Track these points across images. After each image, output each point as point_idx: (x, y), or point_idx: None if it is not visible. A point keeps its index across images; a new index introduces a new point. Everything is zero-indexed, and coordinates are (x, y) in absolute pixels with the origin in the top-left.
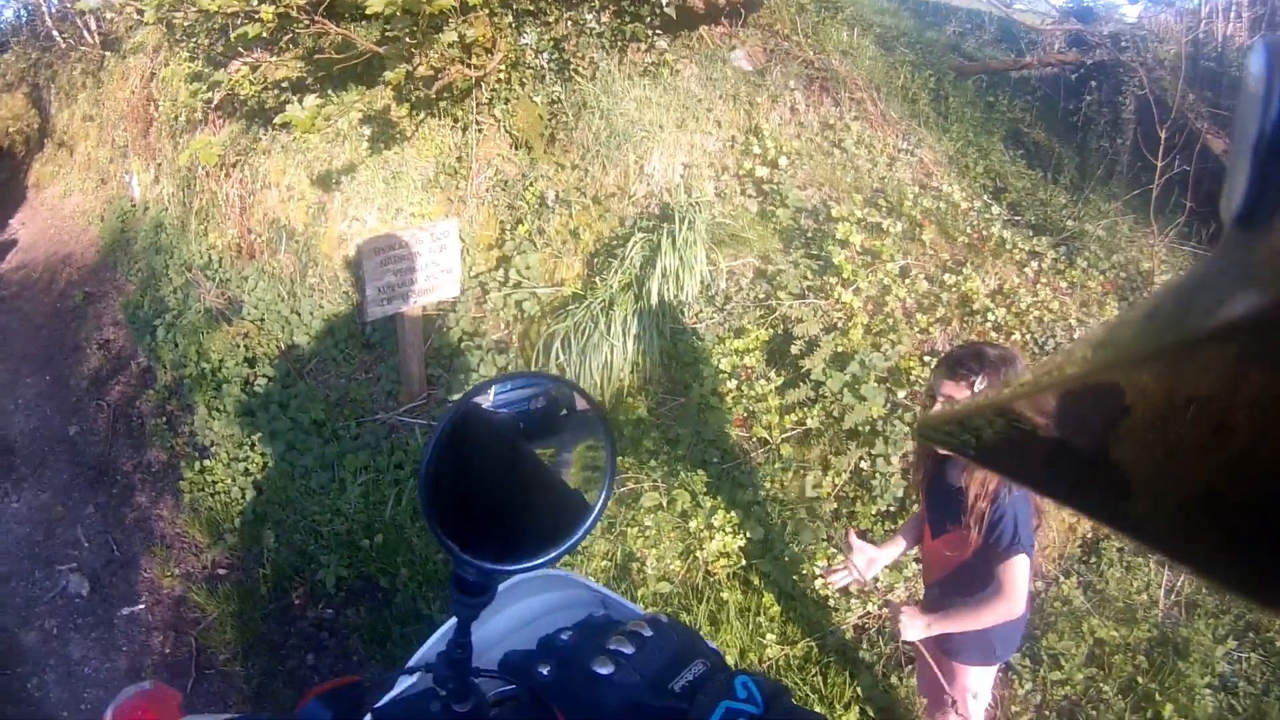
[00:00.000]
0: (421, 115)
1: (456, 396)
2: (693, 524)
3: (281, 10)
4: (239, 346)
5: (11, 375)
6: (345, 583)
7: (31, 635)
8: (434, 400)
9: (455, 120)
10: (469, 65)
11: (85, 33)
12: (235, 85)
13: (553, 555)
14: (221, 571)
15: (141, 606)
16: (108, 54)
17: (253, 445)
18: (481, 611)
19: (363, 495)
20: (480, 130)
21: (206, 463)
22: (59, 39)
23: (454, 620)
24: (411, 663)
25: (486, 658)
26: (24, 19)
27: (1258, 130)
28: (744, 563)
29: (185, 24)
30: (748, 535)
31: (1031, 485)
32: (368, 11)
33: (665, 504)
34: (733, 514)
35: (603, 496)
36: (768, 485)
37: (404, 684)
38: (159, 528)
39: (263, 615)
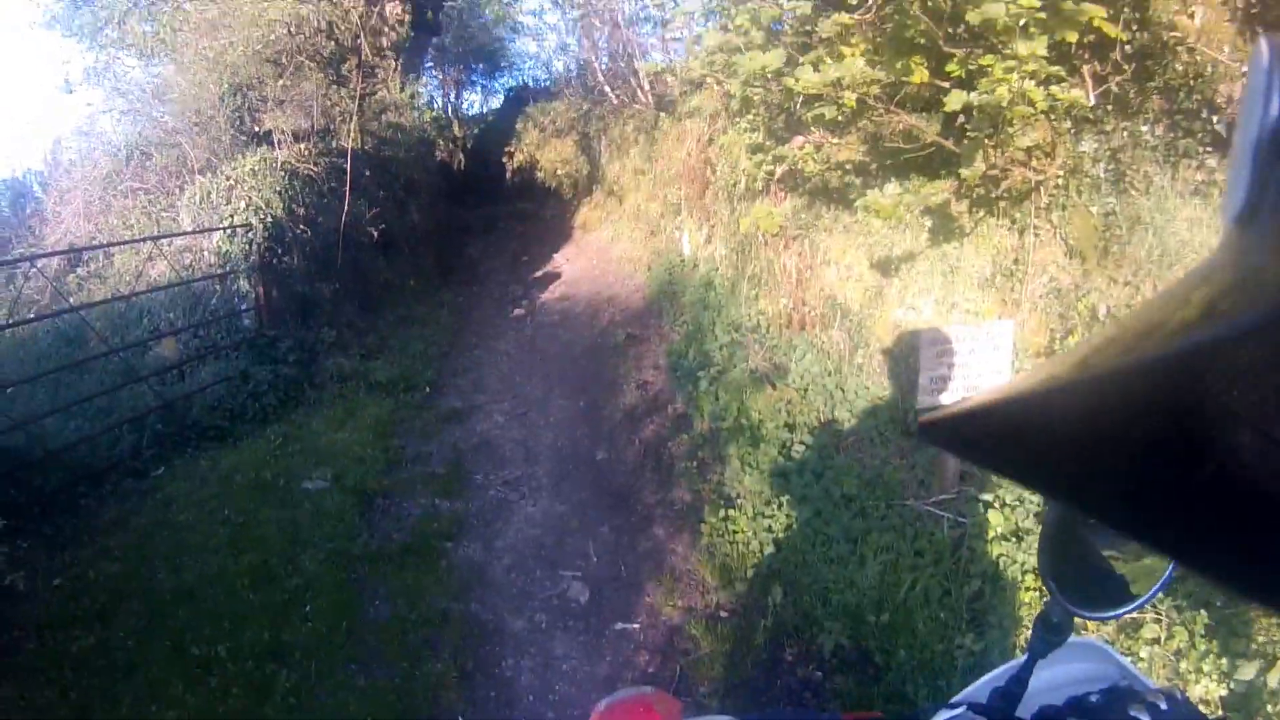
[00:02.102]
0: (980, 213)
1: (986, 496)
2: (1183, 664)
3: (859, 97)
4: (780, 411)
5: (545, 394)
6: (842, 651)
7: (520, 623)
8: (964, 496)
9: (1013, 222)
10: (1029, 168)
11: (639, 92)
12: (799, 162)
13: (1120, 612)
14: (723, 614)
15: (635, 626)
16: (662, 114)
17: (780, 505)
18: (1051, 653)
19: (879, 574)
20: (1037, 234)
21: (730, 512)
22: (611, 95)
23: (1014, 662)
24: (954, 699)
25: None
26: (575, 72)
27: (1258, 130)
28: (1220, 714)
29: (749, 97)
30: (1230, 687)
31: (1030, 485)
32: (945, 108)
33: (1162, 639)
34: (1223, 661)
35: (1148, 595)
36: (1261, 638)
37: (943, 717)
38: (670, 561)
39: (753, 662)
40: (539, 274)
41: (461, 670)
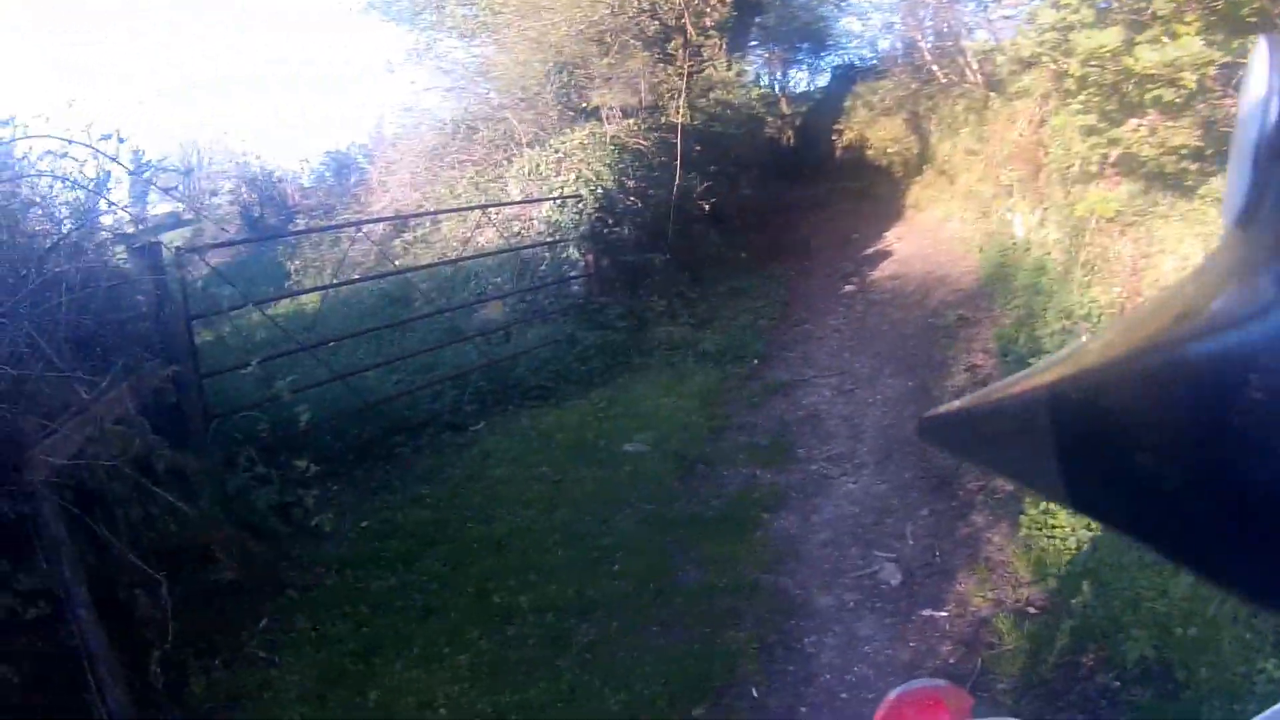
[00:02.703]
0: None
1: None
2: None
3: (1198, 78)
4: None
5: (873, 372)
6: (1144, 662)
7: (827, 599)
8: None
9: None
10: None
11: (967, 71)
12: (1133, 145)
13: None
14: (1031, 610)
15: (944, 614)
16: (991, 94)
17: None
18: None
19: (1192, 584)
20: None
21: (1051, 506)
22: (939, 74)
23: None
24: None
25: None
26: (901, 51)
27: (1258, 131)
28: None
29: (1080, 75)
30: None
31: (1029, 484)
32: None
33: None
34: None
35: None
36: None
37: None
38: (986, 550)
39: (1054, 663)
40: (869, 251)
41: (762, 642)
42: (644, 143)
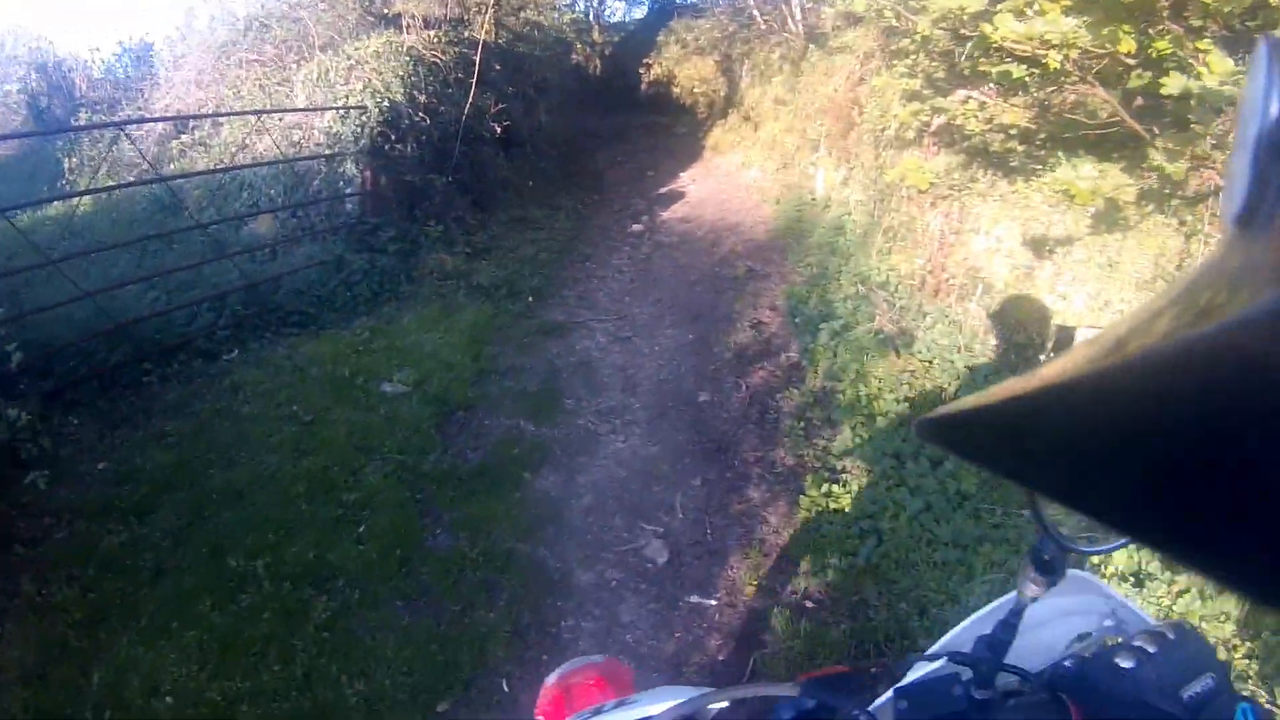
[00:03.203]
0: (1149, 207)
1: None
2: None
3: (1062, 59)
4: (903, 383)
5: (654, 319)
6: None
7: (588, 576)
8: None
9: (1181, 223)
10: (1216, 169)
11: (789, 20)
12: (960, 117)
13: (1118, 544)
14: (809, 604)
15: (713, 602)
16: (811, 46)
17: (889, 490)
18: (1042, 595)
19: (987, 590)
20: (1207, 242)
21: (834, 488)
22: (759, 19)
23: (1000, 603)
24: (933, 650)
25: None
26: None
27: (1257, 130)
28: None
29: (926, 35)
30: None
31: (1033, 486)
32: (1162, 93)
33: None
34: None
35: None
36: None
37: (921, 669)
38: (762, 531)
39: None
40: (663, 190)
41: (515, 624)
42: (442, 56)
